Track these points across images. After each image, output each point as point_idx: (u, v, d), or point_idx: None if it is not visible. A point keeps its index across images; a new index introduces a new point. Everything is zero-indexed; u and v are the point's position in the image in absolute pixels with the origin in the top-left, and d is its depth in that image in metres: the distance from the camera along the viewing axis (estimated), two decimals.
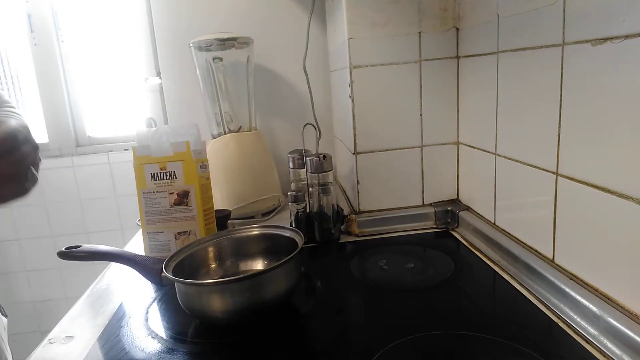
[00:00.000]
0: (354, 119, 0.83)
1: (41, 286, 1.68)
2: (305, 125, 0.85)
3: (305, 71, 0.92)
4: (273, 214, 1.00)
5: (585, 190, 0.49)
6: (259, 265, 0.68)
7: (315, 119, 0.90)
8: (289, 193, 0.81)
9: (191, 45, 0.98)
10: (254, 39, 1.02)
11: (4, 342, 0.69)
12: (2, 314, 0.74)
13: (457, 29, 0.80)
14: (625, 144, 0.44)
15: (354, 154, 0.84)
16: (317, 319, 0.58)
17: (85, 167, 1.59)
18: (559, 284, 0.53)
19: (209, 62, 0.99)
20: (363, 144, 0.84)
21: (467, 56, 0.78)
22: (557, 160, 0.54)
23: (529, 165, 0.61)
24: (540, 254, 0.60)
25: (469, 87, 0.79)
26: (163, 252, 0.74)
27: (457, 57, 0.81)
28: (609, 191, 0.46)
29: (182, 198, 0.73)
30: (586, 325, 0.48)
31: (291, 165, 0.90)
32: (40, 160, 0.55)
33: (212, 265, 0.67)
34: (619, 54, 0.43)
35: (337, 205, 0.82)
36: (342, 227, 0.84)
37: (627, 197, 0.44)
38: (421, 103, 0.83)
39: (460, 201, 0.86)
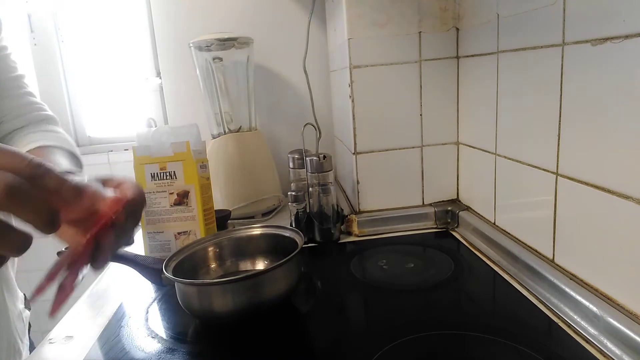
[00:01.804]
0: (354, 119, 0.83)
1: None
2: (305, 125, 0.85)
3: (305, 71, 0.92)
4: (273, 214, 1.00)
5: (585, 190, 0.49)
6: (259, 265, 0.68)
7: (315, 119, 0.90)
8: (289, 193, 0.81)
9: (191, 45, 0.98)
10: (254, 39, 1.02)
11: (19, 334, 0.68)
12: (27, 307, 0.74)
13: (457, 29, 0.80)
14: (625, 144, 0.44)
15: (354, 154, 0.84)
16: (317, 319, 0.58)
17: (85, 167, 1.59)
18: (559, 284, 0.53)
19: (209, 62, 0.99)
20: (363, 144, 0.84)
21: (467, 56, 0.78)
22: (557, 160, 0.54)
23: (529, 165, 0.61)
24: (540, 254, 0.60)
25: (469, 87, 0.79)
26: (163, 252, 0.74)
27: (457, 57, 0.81)
28: (609, 191, 0.46)
29: (182, 198, 0.73)
30: (586, 325, 0.48)
31: (291, 165, 0.90)
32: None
33: (212, 265, 0.67)
34: (619, 54, 0.43)
35: (337, 205, 0.82)
36: (342, 227, 0.84)
37: (627, 197, 0.44)
38: (421, 103, 0.83)
39: (460, 201, 0.86)
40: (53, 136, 0.67)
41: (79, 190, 0.33)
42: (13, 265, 0.74)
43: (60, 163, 0.58)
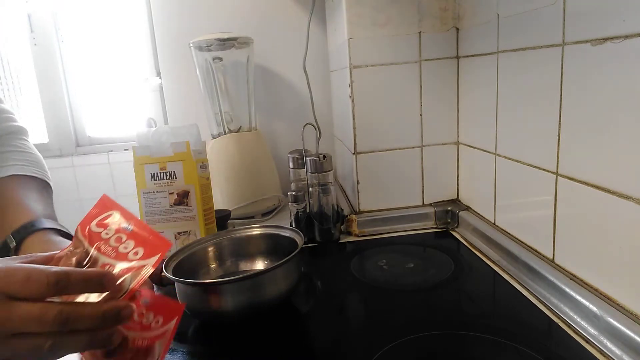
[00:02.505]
0: (354, 119, 0.83)
1: None
2: (305, 125, 0.85)
3: (305, 71, 0.92)
4: (273, 214, 1.00)
5: (585, 190, 0.49)
6: (259, 265, 0.68)
7: (315, 119, 0.90)
8: (289, 193, 0.81)
9: (191, 45, 0.98)
10: (254, 39, 1.02)
11: None
12: None
13: (457, 29, 0.80)
14: (625, 143, 0.44)
15: (354, 154, 0.84)
16: (317, 319, 0.58)
17: (85, 167, 1.59)
18: (559, 284, 0.53)
19: (209, 62, 0.99)
20: (363, 144, 0.84)
21: (467, 56, 0.78)
22: (557, 160, 0.54)
23: (529, 165, 0.61)
24: (540, 254, 0.60)
25: (469, 87, 0.79)
26: None
27: (457, 57, 0.81)
28: (609, 191, 0.46)
29: (182, 198, 0.73)
30: (586, 325, 0.48)
31: (291, 165, 0.90)
32: None
33: (212, 265, 0.67)
34: (619, 54, 0.43)
35: (337, 205, 0.82)
36: (342, 227, 0.84)
37: (627, 197, 0.44)
38: (421, 103, 0.83)
39: (460, 201, 0.86)
40: (25, 159, 0.68)
41: (102, 278, 0.36)
42: None
43: (37, 209, 0.60)
